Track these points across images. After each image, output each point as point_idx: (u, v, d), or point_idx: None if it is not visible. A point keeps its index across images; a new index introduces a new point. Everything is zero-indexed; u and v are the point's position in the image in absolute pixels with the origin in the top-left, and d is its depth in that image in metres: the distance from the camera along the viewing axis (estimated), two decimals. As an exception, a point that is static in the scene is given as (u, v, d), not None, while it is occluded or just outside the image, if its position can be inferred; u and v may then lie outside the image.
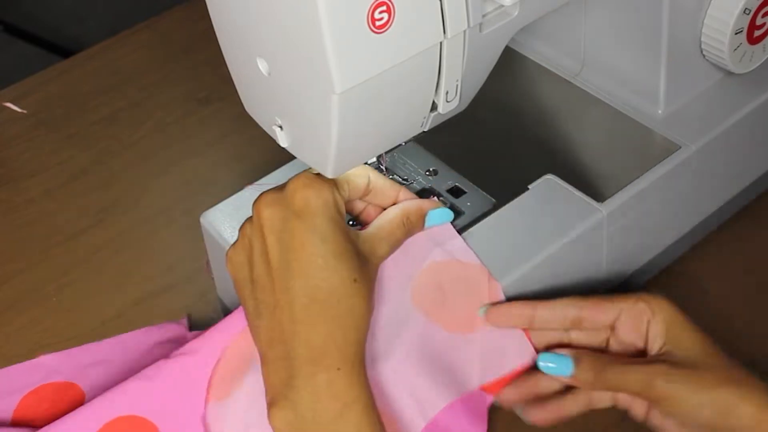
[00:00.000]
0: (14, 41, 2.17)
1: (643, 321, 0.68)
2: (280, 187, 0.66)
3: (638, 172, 0.77)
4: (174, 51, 1.11)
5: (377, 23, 0.59)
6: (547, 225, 0.73)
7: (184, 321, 0.83)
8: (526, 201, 0.75)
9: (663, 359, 0.66)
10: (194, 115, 1.03)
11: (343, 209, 0.67)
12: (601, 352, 0.70)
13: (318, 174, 0.66)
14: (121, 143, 1.01)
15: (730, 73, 0.83)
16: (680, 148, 0.79)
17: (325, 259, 0.63)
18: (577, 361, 0.67)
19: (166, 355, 0.74)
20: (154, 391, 0.71)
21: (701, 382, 0.64)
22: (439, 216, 0.71)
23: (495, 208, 0.75)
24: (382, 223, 0.69)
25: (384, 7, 0.59)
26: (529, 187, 0.76)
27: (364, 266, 0.65)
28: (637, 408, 0.68)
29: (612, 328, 0.69)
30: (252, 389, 0.69)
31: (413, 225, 0.70)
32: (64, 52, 2.05)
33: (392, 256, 0.70)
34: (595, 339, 0.70)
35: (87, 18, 2.29)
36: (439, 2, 0.61)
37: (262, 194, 0.66)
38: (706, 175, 0.81)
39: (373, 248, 0.67)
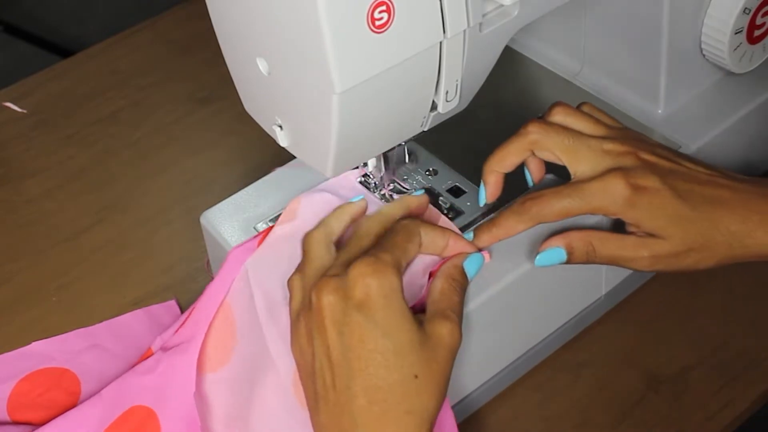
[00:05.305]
0: (14, 41, 2.17)
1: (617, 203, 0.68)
2: (341, 269, 0.62)
3: (638, 171, 0.76)
4: (174, 51, 1.11)
5: (377, 23, 0.59)
6: (546, 225, 0.73)
7: (173, 303, 0.84)
8: (526, 201, 0.75)
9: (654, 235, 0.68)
10: (194, 115, 1.03)
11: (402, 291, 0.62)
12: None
13: (382, 251, 0.62)
14: (121, 143, 1.01)
15: (730, 73, 0.83)
16: (680, 147, 0.79)
17: (384, 356, 0.59)
18: (569, 251, 0.68)
19: (158, 340, 0.75)
20: (153, 383, 0.72)
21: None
22: (474, 263, 0.68)
23: (495, 208, 0.75)
24: (435, 298, 0.64)
25: (384, 7, 0.59)
26: (529, 187, 0.75)
27: (431, 352, 0.61)
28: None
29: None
30: (248, 350, 0.70)
31: (459, 282, 0.66)
32: (64, 52, 2.06)
33: None
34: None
35: (87, 18, 2.29)
36: (439, 2, 0.61)
37: (323, 278, 0.62)
38: (706, 175, 0.81)
39: (437, 329, 0.62)
